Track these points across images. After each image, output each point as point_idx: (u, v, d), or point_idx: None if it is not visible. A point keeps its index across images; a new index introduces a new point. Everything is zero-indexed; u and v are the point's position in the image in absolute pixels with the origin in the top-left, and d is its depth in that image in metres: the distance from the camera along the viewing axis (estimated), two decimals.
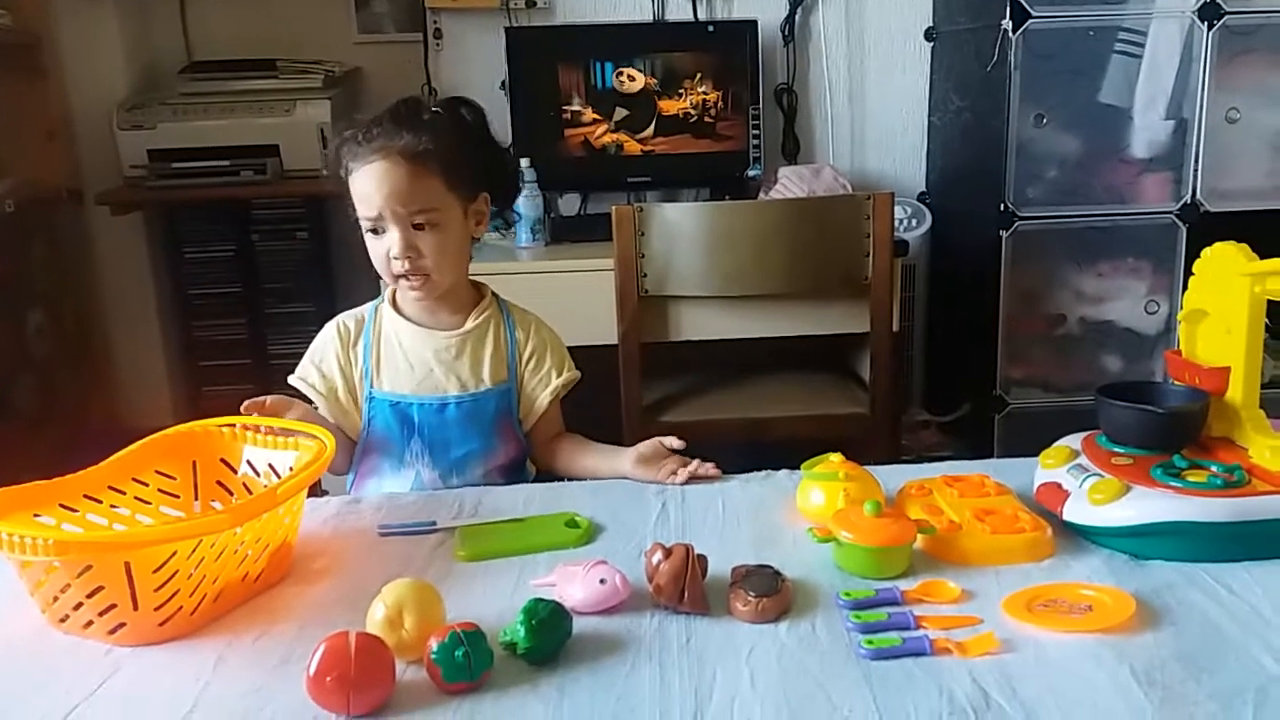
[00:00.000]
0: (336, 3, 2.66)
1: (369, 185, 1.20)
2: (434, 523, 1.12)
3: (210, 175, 2.40)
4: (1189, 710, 0.76)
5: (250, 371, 2.65)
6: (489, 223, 1.33)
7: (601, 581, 0.92)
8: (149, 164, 2.41)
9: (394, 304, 1.32)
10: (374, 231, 1.23)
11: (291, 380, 1.32)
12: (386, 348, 1.30)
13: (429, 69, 2.58)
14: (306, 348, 2.62)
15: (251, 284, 2.63)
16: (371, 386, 1.29)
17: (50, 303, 2.46)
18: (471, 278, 1.35)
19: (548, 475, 1.37)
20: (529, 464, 1.39)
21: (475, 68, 2.55)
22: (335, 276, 2.71)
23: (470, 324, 1.30)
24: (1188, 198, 2.22)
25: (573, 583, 0.93)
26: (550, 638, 0.84)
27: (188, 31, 2.65)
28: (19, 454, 2.15)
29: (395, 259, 1.22)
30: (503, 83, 2.44)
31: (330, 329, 1.33)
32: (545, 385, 1.33)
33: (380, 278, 1.29)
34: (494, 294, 1.36)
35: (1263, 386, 1.60)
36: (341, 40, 2.66)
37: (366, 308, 1.34)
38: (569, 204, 2.61)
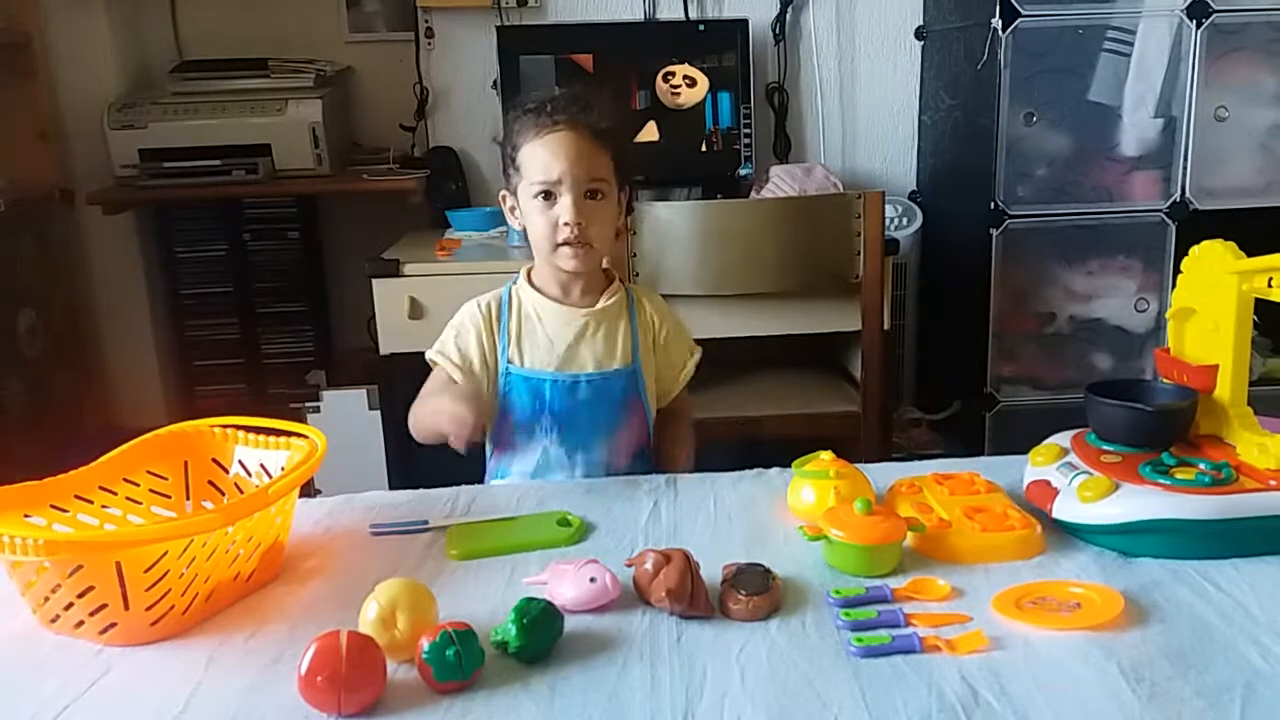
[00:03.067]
0: (328, 2, 2.65)
1: (550, 152, 1.25)
2: (426, 522, 1.12)
3: (202, 175, 2.39)
4: (1177, 707, 0.76)
5: (243, 371, 2.65)
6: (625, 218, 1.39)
7: (592, 580, 0.92)
8: (140, 163, 2.40)
9: (530, 282, 1.36)
10: (546, 197, 1.26)
11: (429, 355, 1.35)
12: (527, 325, 1.34)
13: (420, 68, 2.58)
14: (298, 346, 2.65)
15: (243, 283, 2.63)
16: (509, 363, 1.32)
17: (41, 303, 2.45)
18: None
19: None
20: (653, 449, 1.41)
21: (467, 66, 2.55)
22: (327, 276, 2.71)
23: (604, 302, 1.34)
24: (1177, 196, 2.23)
25: (563, 581, 0.93)
26: (541, 636, 0.85)
27: (179, 30, 2.64)
28: (11, 455, 2.14)
29: (566, 224, 1.25)
30: (494, 82, 2.43)
31: (471, 307, 1.36)
32: (678, 370, 1.41)
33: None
34: (619, 279, 1.40)
35: (1252, 384, 1.61)
36: (333, 39, 2.65)
37: (500, 290, 1.38)
38: None
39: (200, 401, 2.64)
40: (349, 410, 2.23)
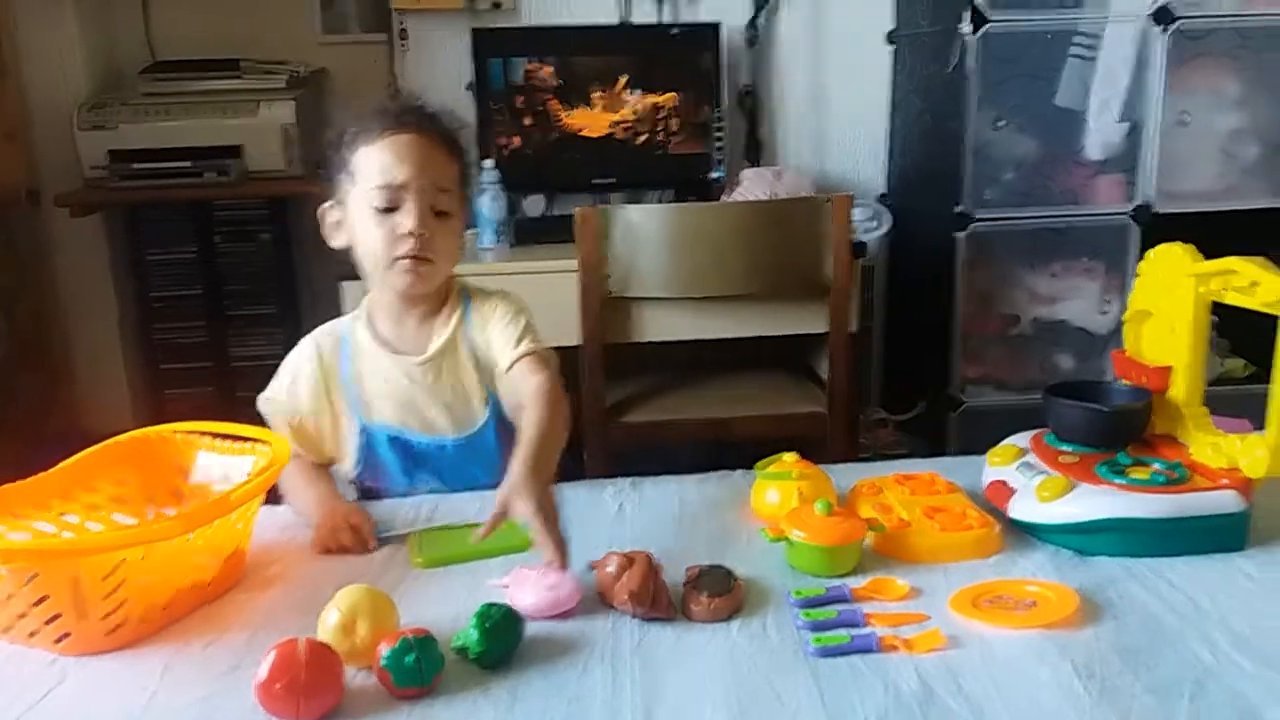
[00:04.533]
0: (301, 3, 2.64)
1: (394, 155, 1.14)
2: (391, 528, 1.12)
3: (172, 176, 2.38)
4: (1126, 704, 0.78)
5: (211, 375, 2.64)
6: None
7: (550, 589, 0.92)
8: (110, 165, 2.39)
9: (369, 322, 1.25)
10: (385, 210, 1.15)
11: (260, 401, 1.25)
12: (368, 374, 1.23)
13: (395, 70, 2.57)
14: (268, 349, 2.64)
15: (213, 286, 2.61)
16: (362, 418, 1.23)
17: (7, 305, 2.42)
18: None
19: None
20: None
21: (441, 68, 2.54)
22: (298, 279, 2.70)
23: (437, 342, 1.22)
24: (1140, 199, 2.26)
25: (524, 587, 0.94)
26: (502, 641, 0.85)
27: (150, 31, 2.62)
28: None
29: (409, 234, 1.14)
30: (470, 83, 2.43)
31: (308, 348, 1.25)
32: (504, 367, 1.22)
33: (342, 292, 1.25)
34: (460, 285, 1.27)
35: (1210, 384, 1.64)
36: (306, 40, 2.64)
37: (343, 324, 1.27)
38: (533, 205, 2.61)
39: (168, 404, 2.61)
40: None
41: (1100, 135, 2.25)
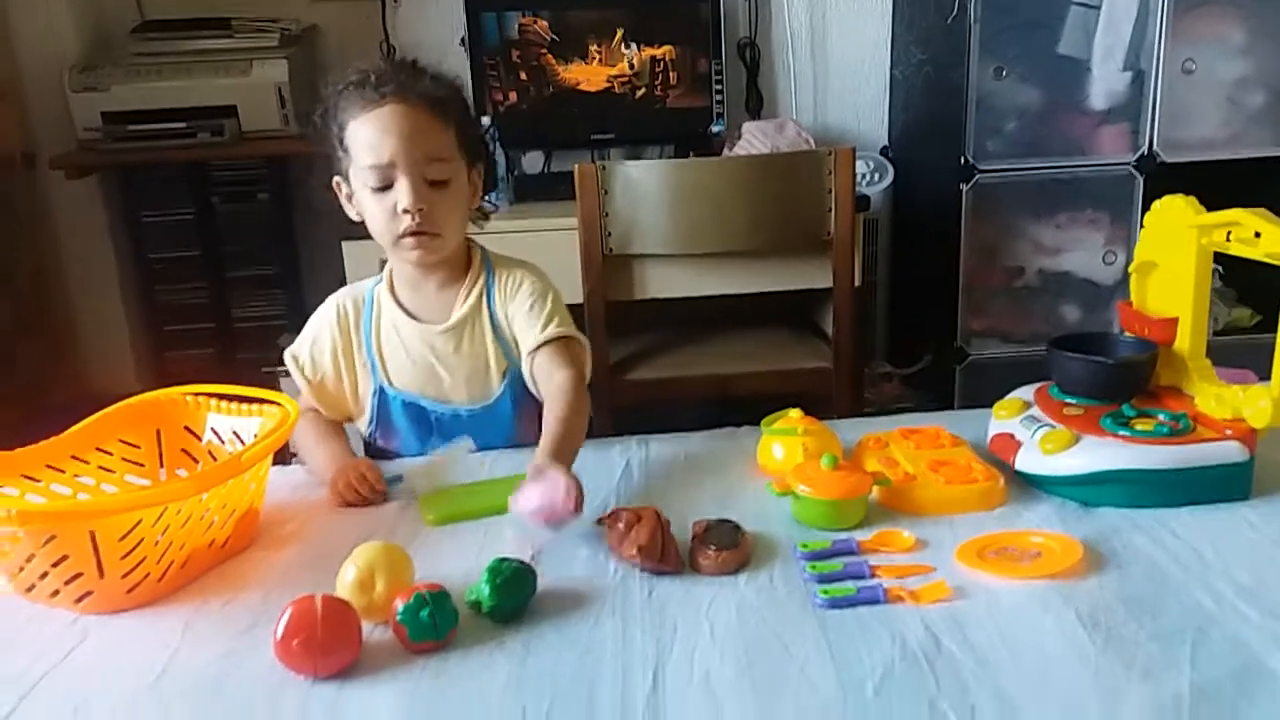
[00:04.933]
0: None
1: (378, 130, 1.11)
2: (400, 477, 1.13)
3: (167, 138, 2.35)
4: (1130, 651, 0.79)
5: (213, 335, 2.63)
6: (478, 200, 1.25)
7: (549, 492, 0.94)
8: (103, 126, 2.36)
9: (391, 287, 1.25)
10: (380, 188, 1.13)
11: (287, 353, 1.26)
12: (389, 340, 1.22)
13: (387, 27, 2.54)
14: (269, 309, 2.63)
15: (212, 247, 2.60)
16: (381, 381, 1.23)
17: (5, 270, 2.41)
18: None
19: None
20: None
21: (434, 25, 2.51)
22: (298, 238, 2.68)
23: (459, 311, 1.22)
24: (1145, 149, 2.24)
25: (529, 493, 0.95)
26: (514, 596, 0.86)
27: None
28: None
29: (405, 212, 1.12)
30: (463, 39, 2.40)
31: (330, 310, 1.25)
32: (528, 350, 1.21)
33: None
34: (482, 253, 1.26)
35: (1216, 333, 1.62)
36: None
37: (366, 286, 1.26)
38: (532, 162, 2.59)
39: (171, 365, 2.61)
40: None
41: (1104, 84, 2.23)
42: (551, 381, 1.17)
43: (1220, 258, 1.10)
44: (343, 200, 1.22)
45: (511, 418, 1.24)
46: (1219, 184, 1.38)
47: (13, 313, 2.41)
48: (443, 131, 1.15)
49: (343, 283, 2.04)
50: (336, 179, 1.21)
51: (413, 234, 1.15)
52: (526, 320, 1.22)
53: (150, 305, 2.63)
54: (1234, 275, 2.34)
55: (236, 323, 2.64)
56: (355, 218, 1.22)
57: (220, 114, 2.37)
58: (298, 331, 1.31)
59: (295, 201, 2.66)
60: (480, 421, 1.23)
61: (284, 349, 1.29)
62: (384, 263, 1.28)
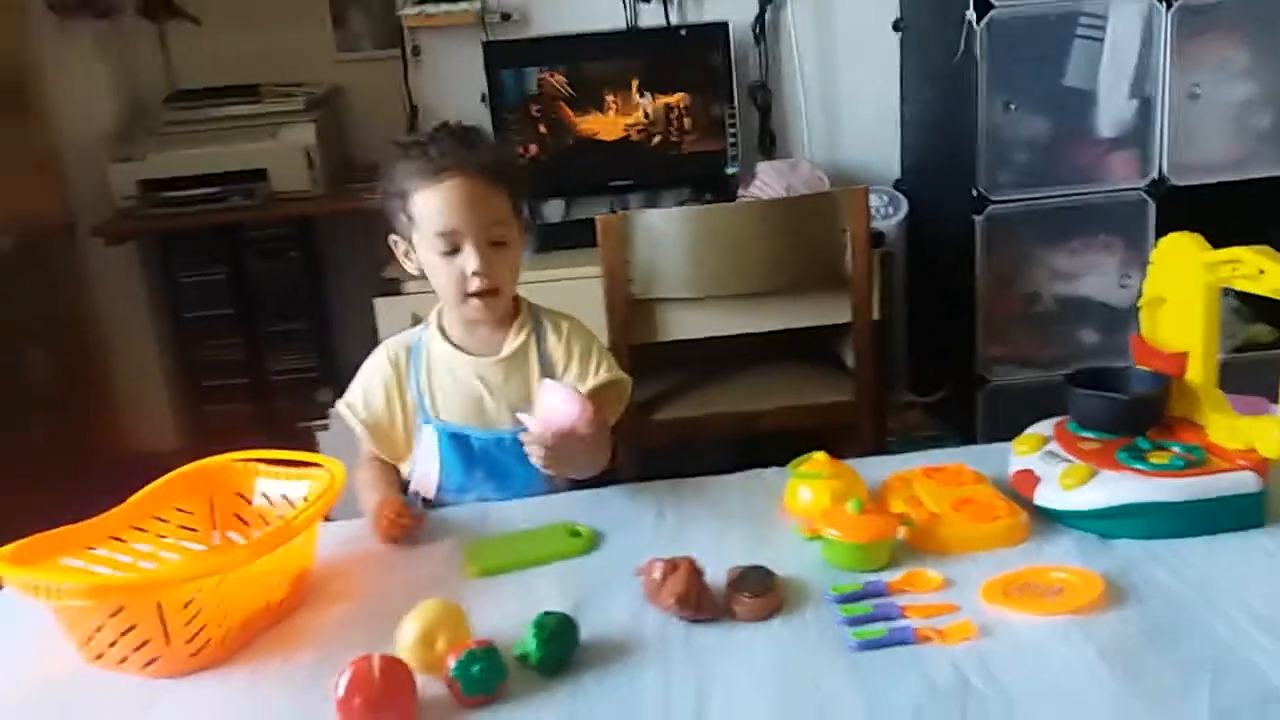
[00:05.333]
0: (314, 23, 2.70)
1: (444, 202, 1.22)
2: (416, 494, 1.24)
3: (201, 202, 2.44)
4: (1150, 683, 0.83)
5: (249, 389, 2.71)
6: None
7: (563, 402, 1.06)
8: (140, 194, 2.45)
9: (441, 328, 1.34)
10: (447, 252, 1.24)
11: (338, 406, 1.35)
12: (437, 377, 1.31)
13: (409, 85, 2.62)
14: (301, 363, 2.71)
15: (246, 304, 2.68)
16: (428, 416, 1.31)
17: (49, 337, 2.50)
18: None
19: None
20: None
21: (455, 82, 2.59)
22: (327, 293, 2.77)
23: (510, 346, 1.31)
24: (1155, 174, 2.27)
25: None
26: (560, 647, 0.90)
27: (169, 59, 2.68)
28: (30, 486, 2.20)
29: (475, 275, 1.23)
30: (483, 95, 2.48)
31: (380, 356, 1.34)
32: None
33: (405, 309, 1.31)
34: (527, 303, 1.36)
35: (1234, 350, 1.64)
36: (321, 59, 2.70)
37: (414, 333, 1.36)
38: (553, 211, 2.65)
39: (209, 420, 2.69)
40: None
41: (1111, 112, 2.26)
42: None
43: None
44: (399, 255, 1.33)
45: None
46: (1230, 206, 1.41)
47: (57, 374, 2.50)
48: (500, 196, 1.26)
49: (375, 336, 2.12)
50: (393, 237, 1.31)
51: (478, 295, 1.25)
52: (579, 366, 1.33)
53: (187, 362, 2.71)
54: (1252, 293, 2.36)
55: (271, 376, 2.71)
56: (414, 273, 1.32)
57: (251, 177, 2.46)
58: (330, 383, 1.39)
59: (324, 257, 2.74)
60: (520, 449, 1.27)
61: (319, 401, 1.36)
62: (415, 316, 1.38)
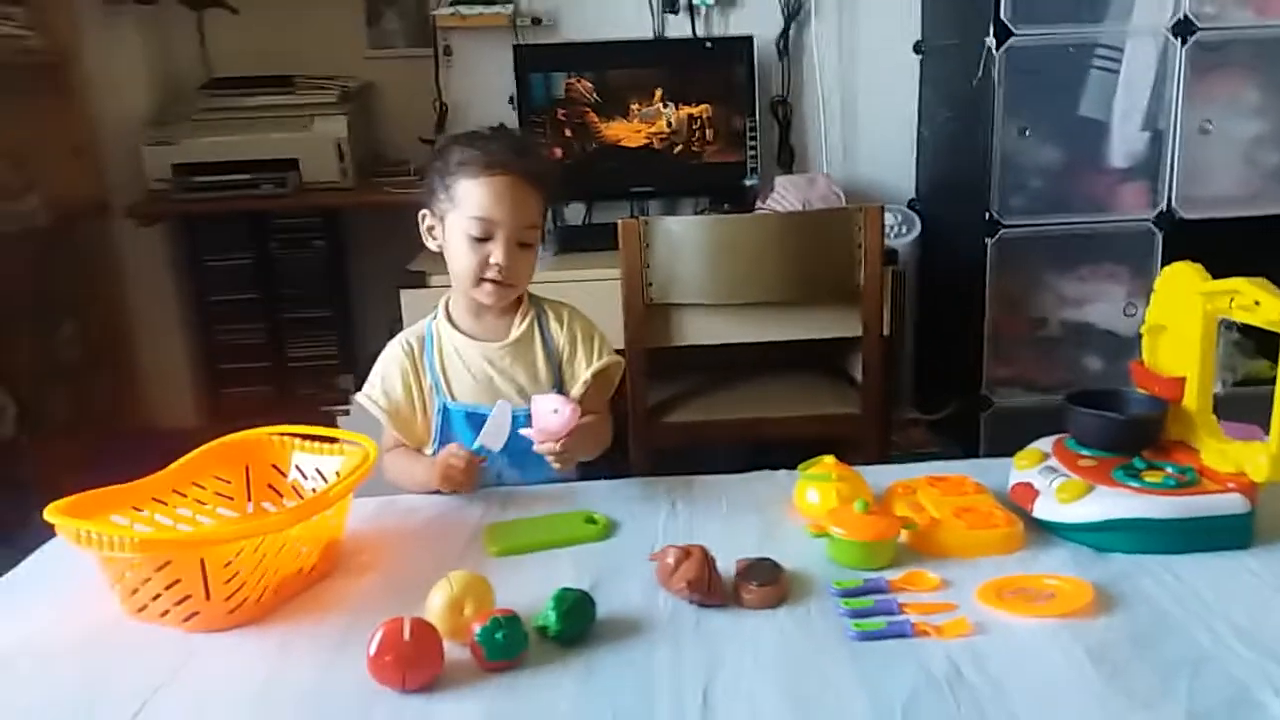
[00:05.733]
0: (348, 18, 2.76)
1: (490, 196, 1.31)
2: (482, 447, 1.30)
3: (232, 188, 2.50)
4: (1133, 683, 0.88)
5: (269, 374, 2.76)
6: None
7: (555, 412, 1.14)
8: (173, 178, 2.52)
9: (448, 316, 1.42)
10: (478, 239, 1.32)
11: (358, 398, 1.42)
12: (450, 361, 1.40)
13: (439, 83, 2.69)
14: (322, 350, 2.77)
15: (269, 290, 2.74)
16: (445, 399, 1.39)
17: (80, 312, 2.57)
18: None
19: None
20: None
21: (484, 82, 2.66)
22: (349, 283, 2.83)
23: (516, 331, 1.41)
24: (1163, 206, 2.33)
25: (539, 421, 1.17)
26: (578, 621, 0.96)
27: (206, 48, 2.75)
28: (55, 458, 2.26)
29: (495, 264, 1.32)
30: (511, 97, 2.54)
31: (395, 348, 1.42)
32: (577, 378, 1.42)
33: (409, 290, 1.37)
34: (528, 293, 1.45)
35: (1235, 384, 1.68)
36: (353, 55, 2.76)
37: (424, 324, 1.44)
38: (574, 213, 2.72)
39: (227, 402, 2.74)
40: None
41: (1123, 144, 2.33)
42: (591, 409, 1.39)
43: None
44: (422, 229, 1.41)
45: None
46: (1236, 240, 1.46)
47: (85, 349, 2.57)
48: (537, 202, 1.35)
49: (398, 324, 2.18)
50: (424, 212, 1.39)
51: (494, 282, 1.34)
52: (582, 349, 1.43)
53: (209, 344, 2.77)
54: (1253, 327, 2.41)
55: (290, 362, 2.76)
56: (434, 248, 1.41)
57: (283, 166, 2.52)
58: (350, 371, 1.45)
59: (348, 248, 2.81)
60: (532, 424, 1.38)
61: (340, 388, 1.43)
62: (435, 304, 1.45)
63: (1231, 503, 1.10)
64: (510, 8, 2.58)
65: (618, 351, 1.95)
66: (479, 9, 2.57)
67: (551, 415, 1.23)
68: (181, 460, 1.20)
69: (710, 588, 1.02)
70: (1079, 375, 2.42)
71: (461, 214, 1.33)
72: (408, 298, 2.13)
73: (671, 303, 2.03)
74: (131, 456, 1.19)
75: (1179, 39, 2.24)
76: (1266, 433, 1.11)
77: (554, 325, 1.43)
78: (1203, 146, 2.32)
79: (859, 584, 1.06)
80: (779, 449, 1.44)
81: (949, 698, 0.86)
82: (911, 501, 1.20)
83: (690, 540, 1.08)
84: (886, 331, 2.08)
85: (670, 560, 1.04)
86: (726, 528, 1.20)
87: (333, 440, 1.24)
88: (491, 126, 1.41)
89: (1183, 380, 1.22)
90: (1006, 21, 2.23)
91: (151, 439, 2.60)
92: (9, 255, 2.23)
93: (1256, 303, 1.10)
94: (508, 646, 0.91)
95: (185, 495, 1.19)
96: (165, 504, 1.16)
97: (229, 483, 1.23)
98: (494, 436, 1.28)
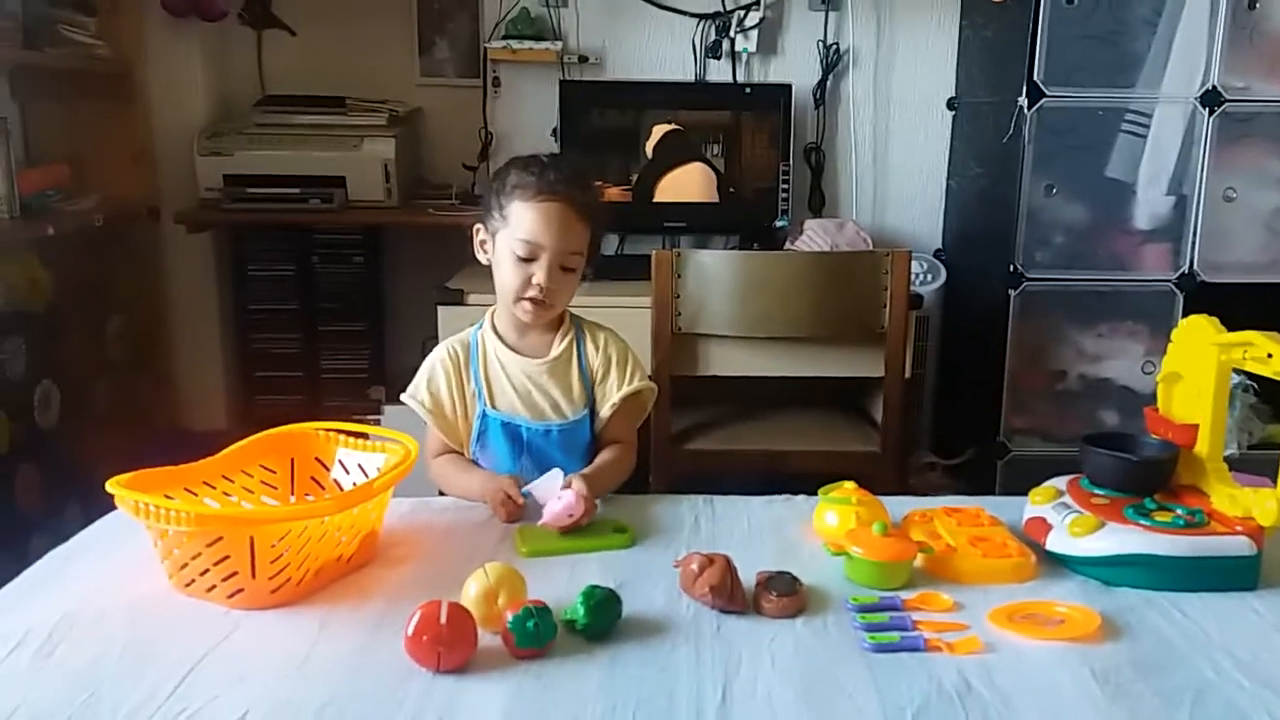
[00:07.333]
0: (401, 47, 2.87)
1: (541, 220, 1.37)
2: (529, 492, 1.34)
3: (280, 201, 2.60)
4: (1136, 705, 0.91)
5: (301, 383, 2.84)
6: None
7: (558, 499, 1.22)
8: (224, 188, 2.61)
9: (494, 328, 1.47)
10: (523, 258, 1.38)
11: (403, 398, 1.47)
12: (493, 370, 1.45)
13: (486, 113, 2.78)
14: (354, 363, 2.84)
15: (308, 303, 2.82)
16: (485, 405, 1.44)
17: (127, 310, 2.66)
18: None
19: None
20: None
21: (529, 114, 2.75)
22: (386, 299, 2.91)
23: (556, 350, 1.45)
24: (1185, 268, 2.38)
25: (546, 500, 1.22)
26: (605, 617, 1.01)
27: (263, 66, 2.86)
28: (94, 447, 2.33)
29: (537, 285, 1.37)
30: (554, 129, 2.63)
31: (441, 352, 1.48)
32: (607, 399, 1.46)
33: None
34: (570, 314, 1.50)
35: (1251, 447, 1.70)
36: (404, 81, 2.87)
37: (470, 333, 1.50)
38: (608, 243, 2.78)
39: (259, 409, 2.81)
40: (408, 425, 2.40)
41: (1148, 206, 2.38)
42: (616, 426, 1.47)
43: (1256, 378, 1.22)
44: (475, 242, 1.46)
45: (589, 439, 1.47)
46: (1256, 305, 1.50)
47: (129, 349, 2.65)
48: (584, 231, 1.41)
49: (432, 340, 2.24)
50: (477, 225, 1.46)
51: (533, 301, 1.39)
52: (615, 372, 1.47)
53: (246, 351, 2.85)
54: (1270, 393, 2.44)
55: (324, 374, 2.84)
56: (483, 261, 1.46)
57: (330, 184, 2.61)
58: (381, 382, 1.50)
59: (387, 266, 2.89)
60: (563, 438, 1.45)
61: (372, 398, 1.48)
62: (471, 322, 1.52)
63: (1239, 545, 1.14)
64: (559, 44, 2.68)
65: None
66: (529, 44, 2.67)
67: (555, 501, 1.26)
68: (231, 448, 1.26)
69: (732, 594, 1.06)
70: (1095, 428, 2.40)
71: (511, 233, 1.39)
72: (445, 314, 2.19)
73: (699, 333, 2.09)
74: (163, 455, 1.23)
75: (1207, 109, 2.30)
76: (1275, 483, 1.15)
77: (590, 347, 1.48)
78: (1226, 213, 2.37)
79: (875, 600, 1.10)
80: (797, 481, 1.48)
81: (959, 708, 0.90)
82: (928, 529, 1.25)
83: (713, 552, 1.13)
84: (908, 374, 2.12)
85: (694, 566, 1.09)
86: (747, 543, 1.25)
87: (377, 437, 1.29)
88: (552, 154, 1.48)
89: (1195, 427, 1.26)
90: (1039, 83, 2.30)
91: (183, 439, 2.67)
92: (66, 252, 2.32)
93: (1269, 355, 1.15)
94: (538, 635, 0.96)
95: (233, 481, 1.24)
96: (214, 488, 1.21)
97: (274, 473, 1.29)
98: (543, 492, 1.31)
